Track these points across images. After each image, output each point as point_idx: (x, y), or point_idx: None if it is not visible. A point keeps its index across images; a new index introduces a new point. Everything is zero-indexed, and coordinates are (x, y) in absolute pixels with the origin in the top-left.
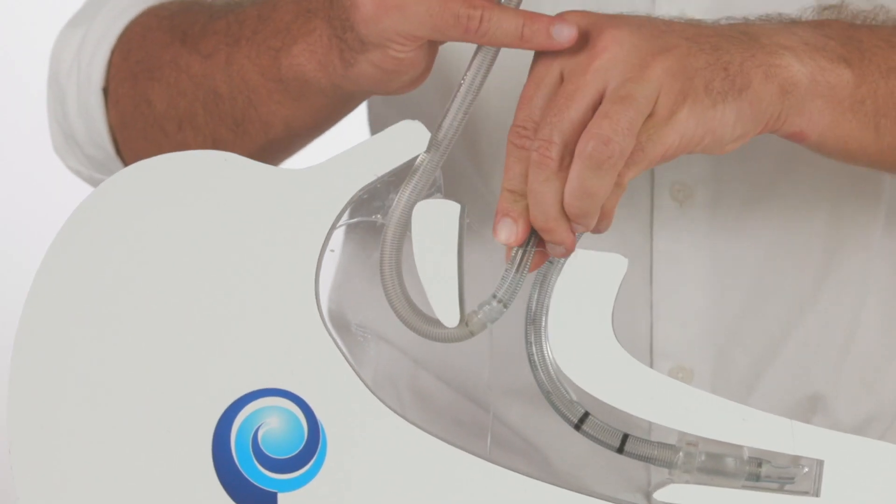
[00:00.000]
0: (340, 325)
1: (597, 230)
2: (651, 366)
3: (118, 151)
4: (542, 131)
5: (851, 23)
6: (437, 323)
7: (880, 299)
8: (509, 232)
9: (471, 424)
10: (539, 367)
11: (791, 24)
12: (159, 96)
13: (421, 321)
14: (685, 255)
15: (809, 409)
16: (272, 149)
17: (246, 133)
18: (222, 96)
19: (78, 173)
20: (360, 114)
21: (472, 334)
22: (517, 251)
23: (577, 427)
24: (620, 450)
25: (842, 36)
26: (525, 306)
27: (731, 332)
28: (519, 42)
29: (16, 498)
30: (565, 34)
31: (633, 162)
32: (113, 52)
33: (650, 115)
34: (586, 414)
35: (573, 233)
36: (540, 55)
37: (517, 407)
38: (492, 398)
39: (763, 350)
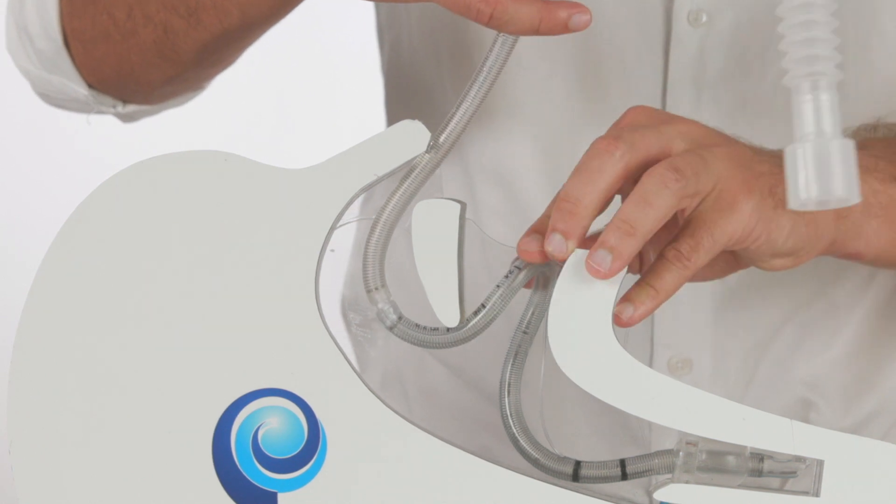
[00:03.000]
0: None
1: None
2: (651, 356)
3: (67, 45)
4: (614, 131)
5: (890, 141)
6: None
7: (882, 294)
8: (560, 246)
9: (477, 421)
10: (521, 437)
11: None
12: None
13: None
14: None
15: (806, 403)
16: (225, 40)
17: (200, 22)
18: None
19: (27, 73)
20: (361, 113)
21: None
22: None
23: (576, 478)
24: (624, 476)
25: (888, 154)
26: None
27: (730, 323)
28: (535, 33)
29: (16, 498)
30: (583, 21)
31: (700, 247)
32: None
33: (716, 200)
34: (578, 463)
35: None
36: (598, 143)
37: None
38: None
39: (762, 342)
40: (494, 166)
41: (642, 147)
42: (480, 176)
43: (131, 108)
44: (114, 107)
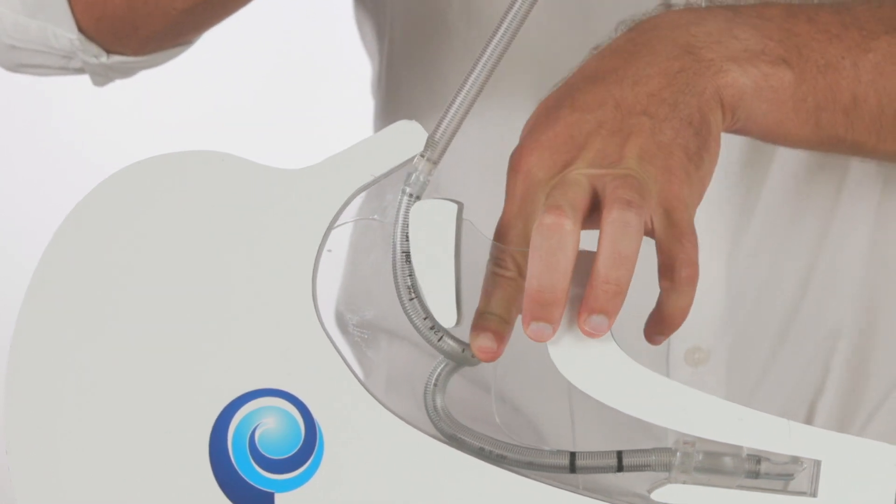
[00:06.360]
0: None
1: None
2: (668, 347)
3: None
4: (547, 201)
5: (791, 10)
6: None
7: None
8: (491, 350)
9: (487, 420)
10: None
11: (733, 20)
12: None
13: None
14: (701, 236)
15: (820, 390)
16: None
17: None
18: None
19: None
20: (358, 113)
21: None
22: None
23: (573, 470)
24: (619, 468)
25: (781, 32)
26: None
27: (747, 312)
28: None
29: (13, 498)
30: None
31: (694, 255)
32: None
33: (665, 212)
34: (573, 454)
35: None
36: (545, 219)
37: (522, 388)
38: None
39: (779, 331)
40: (477, 170)
41: (580, 202)
42: (461, 179)
43: (116, 59)
44: (97, 57)
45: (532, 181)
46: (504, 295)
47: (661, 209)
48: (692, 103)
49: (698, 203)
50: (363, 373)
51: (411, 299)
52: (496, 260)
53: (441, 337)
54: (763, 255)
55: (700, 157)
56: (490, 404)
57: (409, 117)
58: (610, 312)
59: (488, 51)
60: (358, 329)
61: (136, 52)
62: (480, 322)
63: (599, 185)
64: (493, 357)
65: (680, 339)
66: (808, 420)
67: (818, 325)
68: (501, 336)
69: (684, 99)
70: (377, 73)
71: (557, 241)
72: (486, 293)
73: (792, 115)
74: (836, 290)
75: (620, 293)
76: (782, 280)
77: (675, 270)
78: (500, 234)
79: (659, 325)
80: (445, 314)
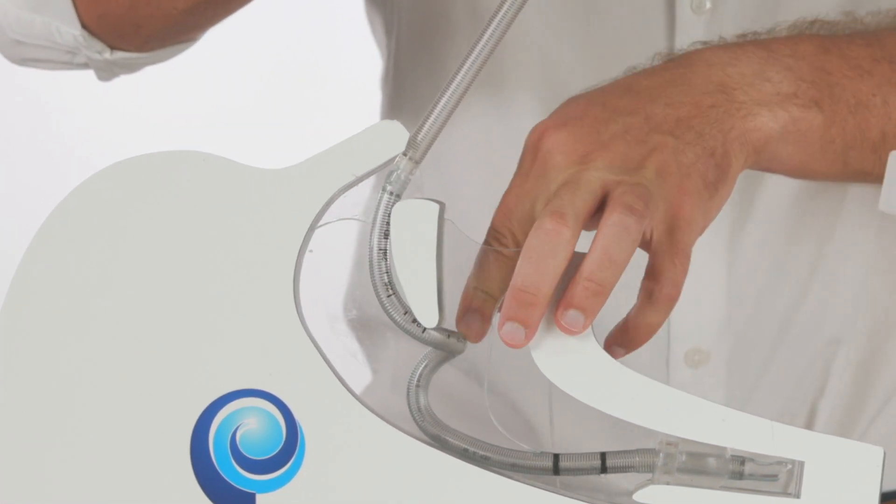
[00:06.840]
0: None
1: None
2: (668, 349)
3: None
4: (553, 204)
5: (824, 45)
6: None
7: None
8: (479, 329)
9: (484, 417)
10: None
11: (767, 60)
12: None
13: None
14: (701, 238)
15: (821, 392)
16: None
17: None
18: None
19: (3, 15)
20: (339, 112)
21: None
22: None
23: (556, 471)
24: (603, 469)
25: (813, 71)
26: None
27: (748, 314)
28: None
29: None
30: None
31: (681, 277)
32: None
33: (670, 222)
34: (556, 456)
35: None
36: (544, 223)
37: (520, 388)
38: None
39: (780, 333)
40: (481, 164)
41: (585, 210)
42: (462, 172)
43: (119, 55)
44: (100, 53)
45: (550, 163)
46: (499, 273)
47: (665, 225)
48: (718, 137)
49: (702, 231)
50: (371, 370)
51: (389, 296)
52: (495, 234)
53: (425, 328)
54: (764, 256)
55: (715, 187)
56: (485, 400)
57: (414, 112)
58: (588, 311)
59: (472, 55)
60: (363, 326)
61: (138, 49)
62: (468, 300)
63: (610, 189)
64: (479, 337)
65: (680, 341)
66: (810, 422)
67: (819, 328)
68: (488, 316)
69: (711, 132)
70: (386, 67)
71: (552, 247)
72: (480, 267)
73: (819, 156)
74: (837, 291)
75: (602, 294)
76: (783, 282)
77: (659, 285)
78: (505, 209)
79: (624, 336)
80: (427, 315)
